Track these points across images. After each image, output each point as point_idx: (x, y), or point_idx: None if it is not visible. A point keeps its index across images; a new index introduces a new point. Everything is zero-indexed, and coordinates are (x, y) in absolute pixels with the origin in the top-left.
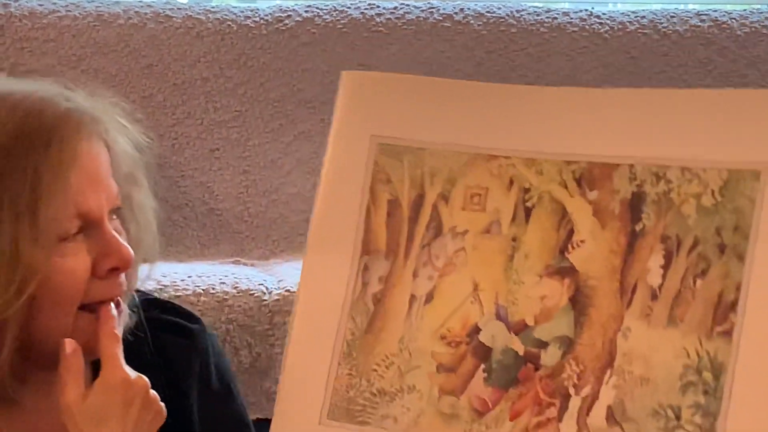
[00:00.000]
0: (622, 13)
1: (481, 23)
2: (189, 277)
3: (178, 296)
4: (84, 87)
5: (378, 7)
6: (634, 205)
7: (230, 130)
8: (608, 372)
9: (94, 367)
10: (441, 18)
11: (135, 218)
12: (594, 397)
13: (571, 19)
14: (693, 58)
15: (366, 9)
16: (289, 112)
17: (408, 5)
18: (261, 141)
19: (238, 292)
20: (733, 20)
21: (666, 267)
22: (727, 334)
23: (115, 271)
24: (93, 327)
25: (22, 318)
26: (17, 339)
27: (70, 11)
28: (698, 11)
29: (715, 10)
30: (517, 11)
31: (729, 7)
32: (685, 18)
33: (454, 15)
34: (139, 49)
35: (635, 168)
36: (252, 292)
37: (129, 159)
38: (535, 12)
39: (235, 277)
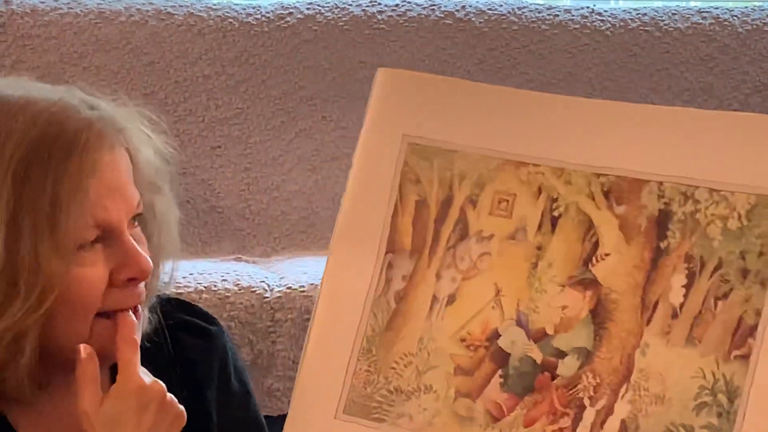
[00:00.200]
0: (624, 11)
1: (482, 20)
2: (190, 274)
3: (180, 294)
4: (109, 95)
5: (380, 4)
6: (661, 222)
7: (232, 128)
8: (624, 387)
9: (114, 372)
10: (442, 15)
11: (157, 225)
12: (609, 410)
13: (573, 16)
14: (694, 55)
15: (367, 6)
16: (291, 110)
17: (410, 2)
18: (262, 138)
19: (240, 290)
20: (735, 17)
21: (688, 287)
22: (745, 358)
23: (133, 281)
24: (110, 333)
25: (40, 326)
26: (36, 345)
27: (71, 8)
28: (699, 8)
29: (717, 7)
30: (519, 8)
31: (730, 4)
32: (687, 15)
33: (456, 12)
34: (140, 47)
35: (664, 185)
36: (253, 289)
37: (152, 167)
38: (537, 9)
39: (237, 275)
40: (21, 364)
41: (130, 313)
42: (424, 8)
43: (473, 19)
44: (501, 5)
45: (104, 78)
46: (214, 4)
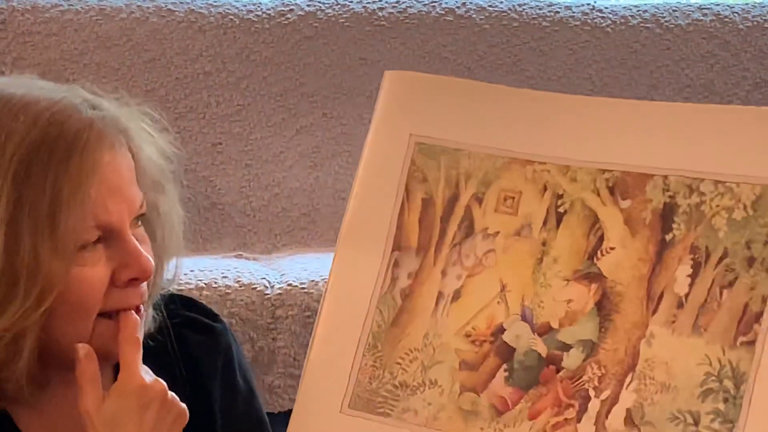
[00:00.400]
0: (624, 7)
1: (483, 17)
2: (191, 271)
3: (180, 290)
4: (111, 93)
5: (380, 0)
6: (666, 215)
7: (232, 124)
8: (630, 376)
9: (116, 371)
10: (443, 12)
11: (161, 225)
12: (614, 400)
13: (573, 13)
14: (695, 52)
15: (368, 3)
16: (292, 106)
17: None
18: (263, 135)
19: (241, 286)
20: (735, 14)
21: (693, 277)
22: (751, 344)
23: (134, 281)
24: (112, 333)
25: (40, 326)
26: (35, 346)
27: (72, 5)
28: (700, 5)
29: (717, 4)
30: (519, 5)
31: (731, 1)
32: (687, 12)
33: (456, 9)
34: (141, 43)
35: (669, 179)
36: (254, 286)
37: (155, 167)
38: (537, 6)
39: (238, 271)
40: (20, 364)
41: (133, 312)
42: (424, 5)
43: (474, 15)
44: (501, 2)
45: (105, 75)
46: (215, 1)
